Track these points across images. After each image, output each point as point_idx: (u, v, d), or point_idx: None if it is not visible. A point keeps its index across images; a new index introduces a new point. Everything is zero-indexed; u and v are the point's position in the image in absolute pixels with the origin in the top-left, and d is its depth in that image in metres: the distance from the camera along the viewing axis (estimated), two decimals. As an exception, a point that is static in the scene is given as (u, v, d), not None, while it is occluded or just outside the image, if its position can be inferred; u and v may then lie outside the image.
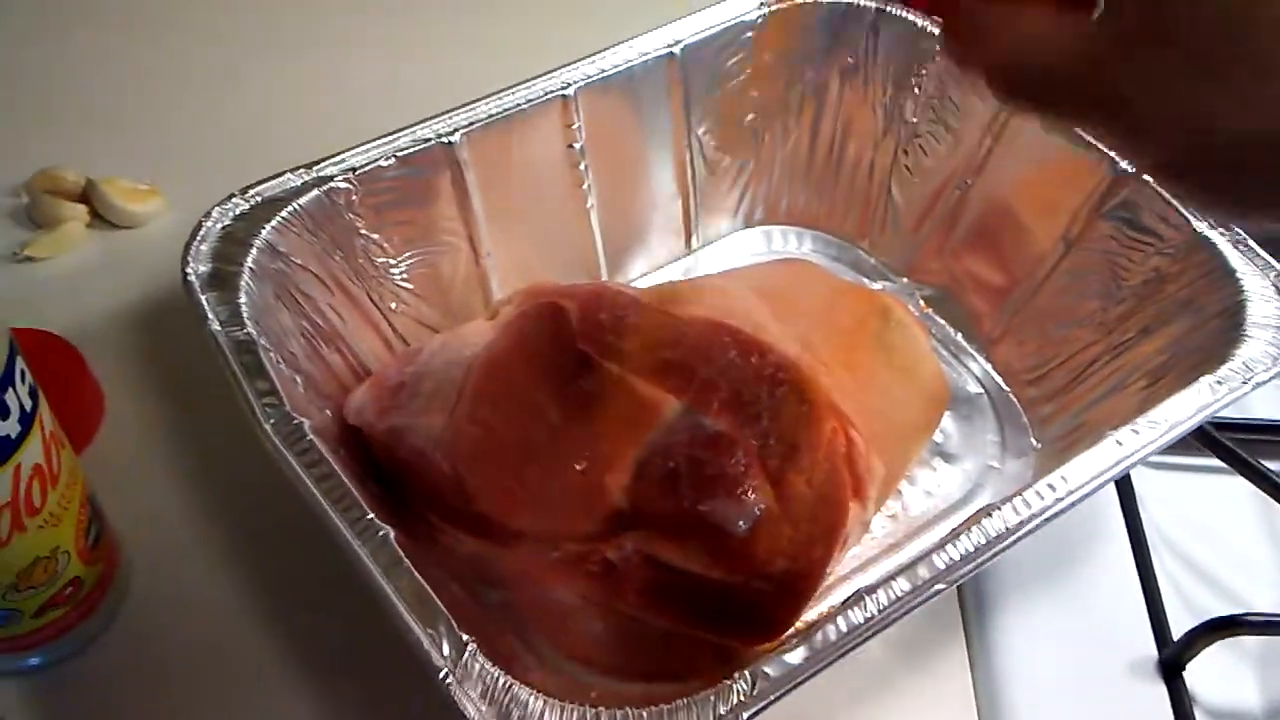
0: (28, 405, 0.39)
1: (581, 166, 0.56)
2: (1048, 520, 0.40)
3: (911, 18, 0.58)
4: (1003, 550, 0.40)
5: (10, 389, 0.38)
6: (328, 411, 0.47)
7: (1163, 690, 0.46)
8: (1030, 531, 0.40)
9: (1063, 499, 0.41)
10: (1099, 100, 0.28)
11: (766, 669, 0.36)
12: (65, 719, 0.45)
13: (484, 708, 0.35)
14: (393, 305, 0.53)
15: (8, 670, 0.45)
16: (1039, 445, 0.54)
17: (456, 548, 0.47)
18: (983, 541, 0.40)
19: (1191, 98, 0.27)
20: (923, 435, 0.52)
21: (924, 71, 0.58)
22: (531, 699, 0.35)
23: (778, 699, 0.36)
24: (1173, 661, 0.47)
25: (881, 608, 0.38)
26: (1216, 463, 0.52)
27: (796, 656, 0.37)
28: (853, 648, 0.37)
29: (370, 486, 0.44)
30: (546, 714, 0.35)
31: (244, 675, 0.46)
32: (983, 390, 0.56)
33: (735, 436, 0.43)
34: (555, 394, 0.45)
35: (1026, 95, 0.29)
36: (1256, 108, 0.27)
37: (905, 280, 0.61)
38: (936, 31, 0.55)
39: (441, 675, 0.35)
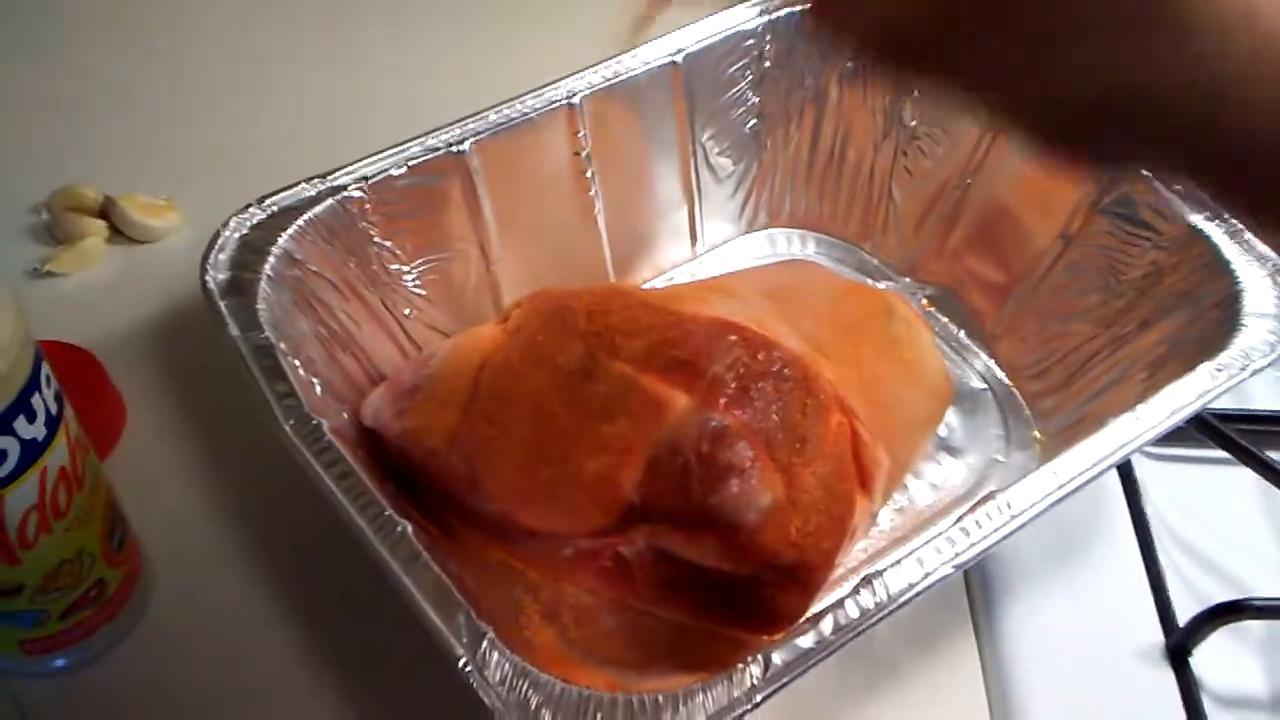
0: (53, 409, 0.40)
1: (588, 174, 0.57)
2: (1052, 506, 0.41)
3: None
4: (1008, 536, 0.40)
5: (37, 393, 0.39)
6: (344, 415, 0.48)
7: (1169, 676, 0.47)
8: (1035, 517, 0.41)
9: (1066, 484, 0.41)
10: (952, 66, 0.30)
11: (777, 654, 0.37)
12: (90, 721, 0.46)
13: (503, 694, 0.36)
14: (406, 311, 0.54)
15: (33, 672, 0.46)
16: (1042, 438, 0.54)
17: (472, 546, 0.48)
18: (989, 528, 0.40)
19: (1031, 62, 0.29)
20: (928, 429, 0.52)
21: (922, 75, 0.59)
22: (550, 685, 0.36)
23: (789, 682, 0.36)
24: (1179, 647, 0.47)
25: (890, 593, 0.38)
26: (1218, 453, 0.53)
27: (807, 641, 0.37)
28: (862, 632, 0.38)
29: (387, 486, 0.45)
30: (564, 699, 0.36)
31: (266, 676, 0.47)
32: (986, 385, 0.57)
33: (743, 431, 0.44)
34: (566, 393, 0.46)
35: (888, 62, 0.31)
36: (1093, 71, 0.28)
37: (907, 280, 0.62)
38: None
39: (461, 663, 0.36)
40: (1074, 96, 0.29)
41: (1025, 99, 0.30)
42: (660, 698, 0.36)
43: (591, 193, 0.58)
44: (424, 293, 0.54)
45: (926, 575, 0.39)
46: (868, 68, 0.34)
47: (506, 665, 0.36)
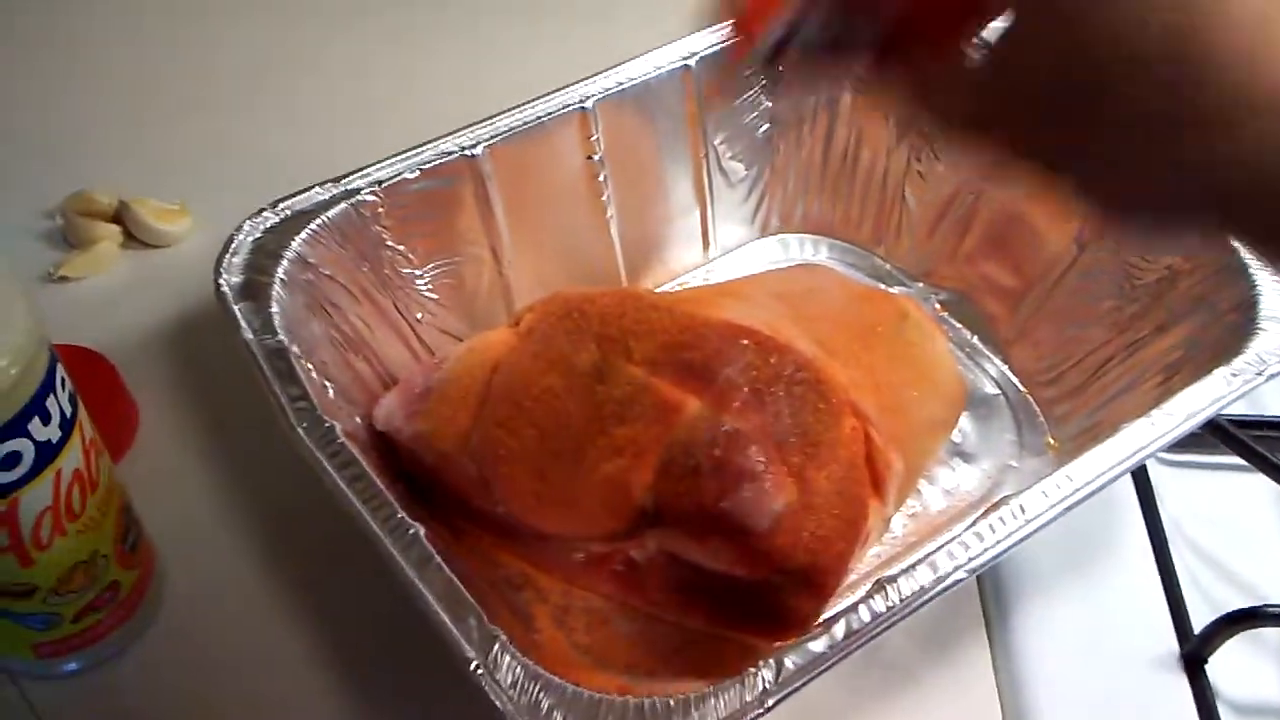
0: (68, 411, 0.40)
1: (601, 178, 0.57)
2: (1066, 510, 0.41)
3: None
4: (1022, 540, 0.40)
5: (51, 395, 0.39)
6: (356, 418, 0.48)
7: (1184, 683, 0.46)
8: (1049, 521, 0.41)
9: (1080, 489, 0.41)
10: (1037, 148, 0.30)
11: (790, 658, 0.37)
12: (102, 724, 0.46)
13: (515, 697, 0.35)
14: (418, 315, 0.54)
15: (46, 675, 0.46)
16: (1056, 444, 0.54)
17: (482, 549, 0.48)
18: (1002, 533, 0.40)
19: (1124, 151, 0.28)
20: (941, 434, 0.52)
21: (935, 80, 0.59)
22: (561, 688, 0.36)
23: (801, 687, 0.36)
24: (1194, 655, 0.47)
25: (903, 596, 0.38)
26: (1232, 460, 0.52)
27: (819, 645, 0.37)
28: (875, 636, 0.37)
29: (399, 488, 0.45)
30: (575, 703, 0.36)
31: (279, 679, 0.47)
32: (999, 391, 0.57)
33: (756, 435, 0.44)
34: (578, 396, 0.46)
35: (959, 133, 0.31)
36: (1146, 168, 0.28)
37: (921, 285, 0.62)
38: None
39: (473, 666, 0.36)
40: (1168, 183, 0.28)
41: (1113, 185, 0.29)
42: (672, 701, 0.36)
43: (604, 197, 0.58)
44: (436, 296, 0.55)
45: (939, 580, 0.39)
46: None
47: (518, 668, 0.36)
